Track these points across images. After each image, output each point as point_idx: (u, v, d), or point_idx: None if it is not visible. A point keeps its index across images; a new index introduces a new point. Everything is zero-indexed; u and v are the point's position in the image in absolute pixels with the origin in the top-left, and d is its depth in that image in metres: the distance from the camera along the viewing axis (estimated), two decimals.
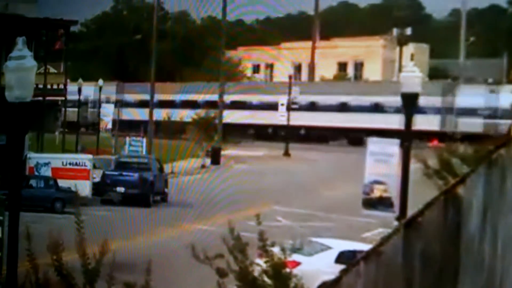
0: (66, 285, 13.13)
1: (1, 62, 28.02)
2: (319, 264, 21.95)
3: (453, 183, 9.39)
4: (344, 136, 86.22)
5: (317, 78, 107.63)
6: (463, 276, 8.71)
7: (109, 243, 13.29)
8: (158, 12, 74.27)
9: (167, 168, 52.22)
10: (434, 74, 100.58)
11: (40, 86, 49.13)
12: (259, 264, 12.71)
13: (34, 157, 44.25)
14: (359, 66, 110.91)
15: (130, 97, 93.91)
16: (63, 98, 58.71)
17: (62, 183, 41.18)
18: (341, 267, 13.42)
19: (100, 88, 69.43)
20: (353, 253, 20.07)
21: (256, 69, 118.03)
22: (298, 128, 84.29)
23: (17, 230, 13.02)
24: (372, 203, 23.39)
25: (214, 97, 77.66)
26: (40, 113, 50.23)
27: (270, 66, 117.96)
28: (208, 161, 64.82)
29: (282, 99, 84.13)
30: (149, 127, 65.60)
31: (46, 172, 43.27)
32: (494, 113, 76.21)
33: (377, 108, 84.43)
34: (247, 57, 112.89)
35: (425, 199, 9.58)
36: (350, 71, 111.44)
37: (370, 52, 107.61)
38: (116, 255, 13.18)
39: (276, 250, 12.81)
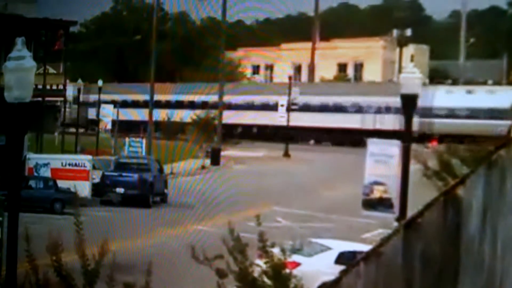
0: (66, 286, 13.11)
1: (1, 63, 28.02)
2: (319, 265, 21.94)
3: (453, 184, 9.38)
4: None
5: (317, 79, 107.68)
6: (463, 277, 8.70)
7: (109, 244, 13.27)
8: (158, 13, 74.29)
9: (166, 169, 52.19)
10: (434, 75, 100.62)
11: (40, 86, 49.15)
12: (259, 264, 12.69)
13: (33, 158, 44.21)
14: (359, 67, 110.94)
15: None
16: (62, 99, 58.71)
17: (62, 183, 41.15)
18: (341, 267, 13.41)
19: (100, 88, 69.38)
20: (353, 253, 20.04)
21: (255, 70, 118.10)
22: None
23: (16, 231, 13.02)
24: (372, 204, 23.36)
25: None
26: (39, 114, 50.20)
27: (270, 67, 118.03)
28: (207, 161, 64.82)
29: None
30: (148, 128, 65.60)
31: (46, 172, 43.23)
32: (471, 114, 77.30)
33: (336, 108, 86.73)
34: (247, 58, 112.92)
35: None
36: (350, 72, 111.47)
37: (370, 53, 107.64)
38: (116, 256, 13.16)
39: (276, 251, 12.80)
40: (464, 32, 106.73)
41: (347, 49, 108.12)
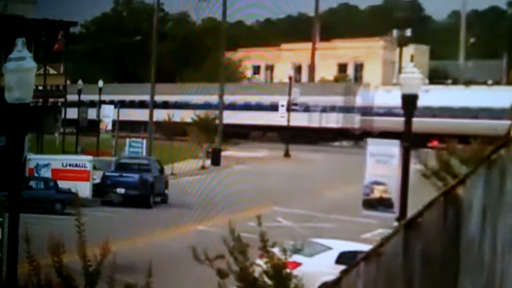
0: (67, 287, 13.12)
1: (1, 63, 28.03)
2: (320, 265, 21.95)
3: (453, 184, 9.39)
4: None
5: (317, 79, 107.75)
6: (463, 276, 8.72)
7: (110, 244, 13.27)
8: (158, 14, 74.32)
9: (167, 169, 52.20)
10: (434, 75, 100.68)
11: (40, 87, 49.17)
12: (260, 264, 12.71)
13: (34, 159, 44.23)
14: (359, 67, 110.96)
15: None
16: (63, 100, 58.71)
17: (62, 184, 41.17)
18: (341, 267, 13.44)
19: (100, 89, 69.41)
20: (353, 253, 20.04)
21: (256, 70, 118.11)
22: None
23: (17, 232, 13.02)
24: (372, 204, 23.40)
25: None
26: (40, 114, 50.21)
27: (270, 67, 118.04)
28: (208, 162, 64.83)
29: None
30: (149, 128, 65.62)
31: (46, 173, 43.25)
32: (389, 111, 79.37)
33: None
34: (247, 58, 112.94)
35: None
36: (350, 72, 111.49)
37: (370, 53, 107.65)
38: (117, 257, 13.17)
39: (276, 250, 12.81)
40: (464, 32, 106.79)
41: (347, 50, 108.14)
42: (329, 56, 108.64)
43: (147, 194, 43.64)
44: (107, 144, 66.22)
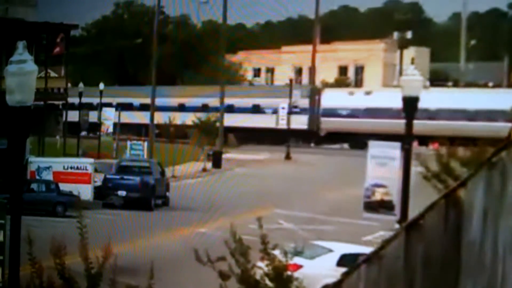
0: None
1: (2, 66, 28.07)
2: (321, 267, 21.96)
3: (454, 186, 9.40)
4: None
5: (318, 82, 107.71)
6: (464, 279, 8.73)
7: (111, 247, 13.30)
8: (159, 16, 74.33)
9: (168, 171, 52.20)
10: (434, 77, 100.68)
11: (41, 90, 49.19)
12: (261, 267, 12.73)
13: (35, 161, 44.26)
14: (359, 70, 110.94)
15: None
16: (64, 102, 58.73)
17: (64, 187, 41.21)
18: (342, 270, 13.45)
19: (101, 92, 69.43)
20: (354, 256, 20.03)
21: (256, 73, 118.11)
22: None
23: (19, 234, 13.03)
24: (373, 206, 23.39)
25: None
26: (41, 117, 50.24)
27: (270, 70, 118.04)
28: (209, 164, 64.83)
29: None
30: (150, 131, 65.63)
31: (48, 176, 43.28)
32: (351, 113, 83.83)
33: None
34: (248, 61, 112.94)
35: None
36: (351, 74, 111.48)
37: (371, 56, 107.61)
38: (118, 259, 13.19)
39: (277, 253, 12.83)
40: (464, 34, 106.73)
41: (348, 52, 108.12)
42: (330, 59, 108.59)
43: (148, 196, 43.65)
44: (108, 147, 66.25)
